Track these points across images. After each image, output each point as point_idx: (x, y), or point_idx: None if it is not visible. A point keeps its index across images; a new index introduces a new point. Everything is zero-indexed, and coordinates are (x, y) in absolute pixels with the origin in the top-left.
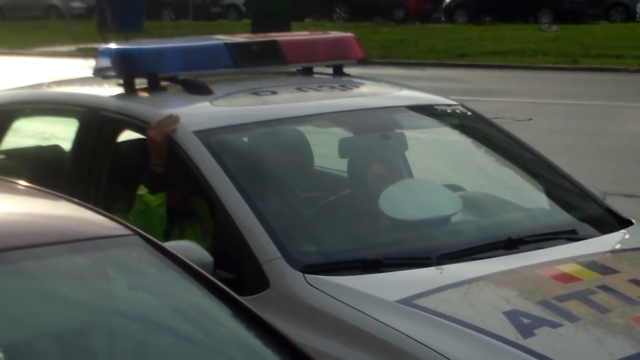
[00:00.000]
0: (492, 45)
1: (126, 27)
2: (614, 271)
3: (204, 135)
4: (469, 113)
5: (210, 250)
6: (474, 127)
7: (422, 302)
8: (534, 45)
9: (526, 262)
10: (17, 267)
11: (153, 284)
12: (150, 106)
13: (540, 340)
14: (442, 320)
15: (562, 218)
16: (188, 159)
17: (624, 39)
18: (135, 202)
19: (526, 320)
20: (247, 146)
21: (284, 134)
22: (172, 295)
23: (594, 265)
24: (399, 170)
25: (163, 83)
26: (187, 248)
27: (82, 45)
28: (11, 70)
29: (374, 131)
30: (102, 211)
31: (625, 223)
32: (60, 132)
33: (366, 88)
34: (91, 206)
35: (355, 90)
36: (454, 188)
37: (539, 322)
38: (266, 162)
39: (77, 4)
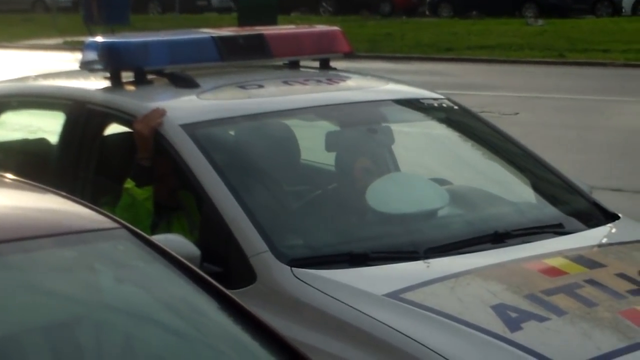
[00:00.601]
0: (478, 39)
1: (112, 20)
2: (600, 265)
3: (191, 128)
4: (456, 107)
5: (198, 243)
6: (461, 121)
7: (409, 295)
8: (520, 39)
9: (513, 256)
10: (4, 261)
11: (140, 277)
12: (136, 99)
13: (528, 334)
14: (429, 314)
15: (549, 212)
16: (175, 152)
17: (610, 33)
18: (122, 195)
19: (513, 314)
20: (233, 140)
21: (270, 127)
22: (159, 289)
23: (581, 259)
24: (386, 164)
25: (150, 76)
26: (174, 241)
27: (68, 39)
28: None
29: (361, 125)
30: (89, 204)
31: (612, 217)
32: (47, 126)
33: (353, 82)
34: (78, 199)
35: (342, 84)
36: (440, 182)
37: (526, 315)
38: (253, 155)
39: None
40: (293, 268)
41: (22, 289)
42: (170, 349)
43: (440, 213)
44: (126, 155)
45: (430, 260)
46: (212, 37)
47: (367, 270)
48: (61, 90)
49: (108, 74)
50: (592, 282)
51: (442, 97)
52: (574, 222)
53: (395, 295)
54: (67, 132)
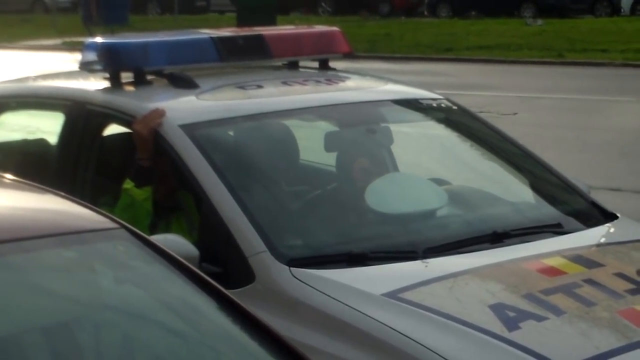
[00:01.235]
0: (477, 39)
1: (111, 20)
2: (599, 265)
3: (190, 129)
4: (455, 107)
5: (196, 243)
6: (460, 121)
7: (407, 295)
8: (519, 39)
9: (512, 255)
10: (4, 261)
11: (139, 278)
12: (136, 100)
13: (526, 334)
14: (427, 313)
15: (548, 212)
16: (174, 152)
17: (609, 33)
18: (121, 195)
19: (512, 314)
20: (233, 140)
21: (269, 128)
22: (159, 289)
23: (580, 258)
24: (385, 164)
25: (149, 77)
26: (173, 241)
27: (67, 39)
28: None
29: (360, 125)
30: (88, 205)
31: (610, 217)
32: (46, 126)
33: (352, 82)
34: (77, 200)
35: (341, 84)
36: (439, 182)
37: (525, 315)
38: (252, 156)
39: None
40: (292, 268)
41: (21, 289)
42: (170, 349)
43: (439, 213)
44: (125, 155)
45: (429, 260)
46: (211, 37)
47: (365, 270)
48: (60, 90)
49: (107, 75)
50: (590, 281)
51: (441, 97)
52: (572, 221)
53: (393, 295)
54: (67, 132)
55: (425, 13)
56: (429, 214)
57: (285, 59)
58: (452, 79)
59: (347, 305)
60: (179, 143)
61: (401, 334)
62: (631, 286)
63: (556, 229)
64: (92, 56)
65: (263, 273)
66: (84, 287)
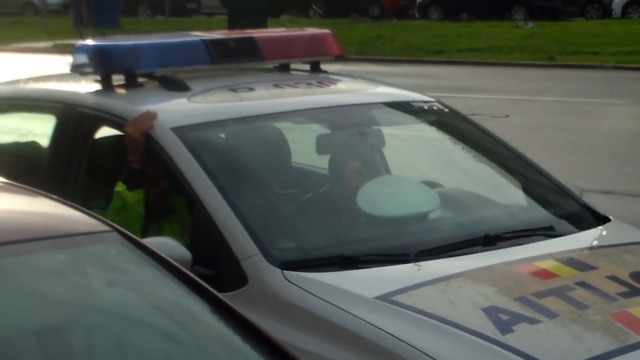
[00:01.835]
0: (468, 42)
1: (102, 23)
2: (591, 267)
3: (182, 131)
4: (446, 110)
5: (189, 246)
6: (451, 123)
7: (400, 298)
8: (510, 42)
9: (504, 258)
10: None
11: (132, 281)
12: (127, 102)
13: (519, 337)
14: (420, 316)
15: (540, 215)
16: (165, 155)
17: (600, 35)
18: (113, 198)
19: (504, 317)
20: (224, 143)
21: (261, 130)
22: (151, 292)
23: (572, 261)
24: (377, 167)
25: (140, 79)
26: (165, 244)
27: (58, 42)
28: None
29: (351, 128)
30: (80, 207)
31: (602, 219)
32: (38, 129)
33: (343, 85)
34: (69, 202)
35: (332, 87)
36: (431, 185)
37: (518, 318)
38: (244, 158)
39: (53, 0)
40: (284, 271)
41: (13, 292)
42: (162, 352)
43: (431, 216)
44: (117, 158)
45: (421, 263)
46: (202, 40)
47: (358, 273)
48: (52, 93)
49: (99, 77)
50: (583, 284)
51: (432, 99)
52: (564, 224)
53: (386, 297)
54: (58, 135)
55: (416, 15)
56: (421, 217)
57: (277, 62)
58: (444, 81)
59: (339, 307)
60: (171, 146)
61: (394, 336)
62: (624, 289)
63: (548, 232)
64: (83, 59)
65: (255, 276)
66: (76, 290)
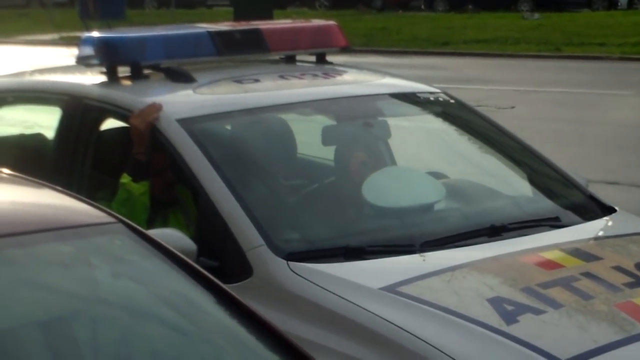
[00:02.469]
0: (474, 33)
1: (108, 15)
2: (597, 258)
3: (187, 123)
4: (452, 101)
5: (194, 238)
6: (457, 114)
7: (405, 289)
8: (516, 33)
9: (509, 249)
10: (1, 255)
11: (137, 272)
12: (133, 94)
13: (524, 327)
14: (425, 307)
15: (546, 205)
16: (171, 147)
17: (606, 27)
18: (118, 190)
19: (510, 307)
20: (230, 134)
21: (267, 122)
22: (156, 283)
23: (577, 252)
24: (382, 158)
25: (146, 71)
26: (170, 236)
27: (64, 34)
28: None
29: (357, 119)
30: (85, 199)
31: (608, 210)
32: (43, 121)
33: (349, 76)
34: (75, 194)
35: (338, 78)
36: (437, 175)
37: (523, 308)
38: (249, 150)
39: None
40: (289, 262)
41: (19, 284)
42: (167, 343)
43: (437, 207)
44: (122, 150)
45: (427, 254)
46: (208, 31)
47: (363, 264)
48: (57, 85)
49: (104, 69)
50: (588, 275)
51: (438, 91)
52: (570, 215)
53: (391, 288)
54: (64, 127)
55: (422, 7)
56: (427, 208)
57: (283, 53)
58: (450, 72)
59: (344, 298)
60: (176, 137)
61: (399, 327)
62: (629, 279)
63: (554, 223)
64: (89, 50)
65: (261, 267)
66: (81, 282)
